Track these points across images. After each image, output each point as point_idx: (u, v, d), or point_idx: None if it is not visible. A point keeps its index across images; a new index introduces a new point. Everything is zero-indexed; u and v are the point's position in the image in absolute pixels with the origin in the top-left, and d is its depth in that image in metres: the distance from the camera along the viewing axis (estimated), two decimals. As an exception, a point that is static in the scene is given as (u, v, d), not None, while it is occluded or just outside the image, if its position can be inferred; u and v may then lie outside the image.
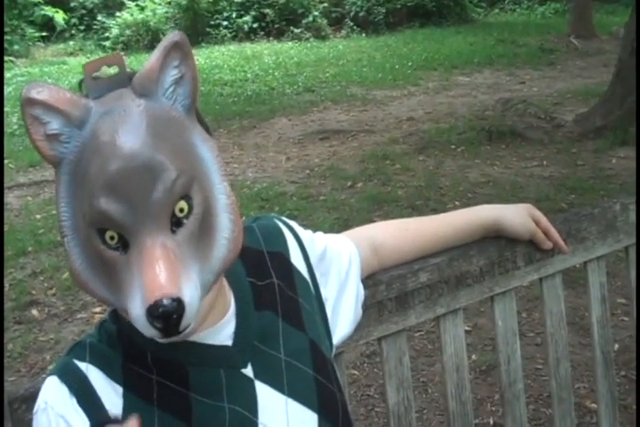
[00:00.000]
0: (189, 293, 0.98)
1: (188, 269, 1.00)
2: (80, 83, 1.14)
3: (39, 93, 1.03)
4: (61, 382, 1.14)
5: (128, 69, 1.09)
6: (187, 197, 1.03)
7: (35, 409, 1.15)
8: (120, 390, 1.15)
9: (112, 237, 1.01)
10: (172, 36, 1.07)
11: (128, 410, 1.13)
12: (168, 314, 0.95)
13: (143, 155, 0.99)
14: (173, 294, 0.95)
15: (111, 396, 1.14)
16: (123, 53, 14.81)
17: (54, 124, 1.04)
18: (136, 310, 0.97)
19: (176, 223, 1.02)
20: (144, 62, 1.07)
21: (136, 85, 1.05)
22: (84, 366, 1.16)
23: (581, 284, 2.91)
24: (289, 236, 1.40)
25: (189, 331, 1.01)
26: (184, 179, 1.02)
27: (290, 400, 1.24)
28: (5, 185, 8.28)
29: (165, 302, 0.95)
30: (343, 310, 1.46)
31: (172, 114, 1.07)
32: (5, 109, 12.39)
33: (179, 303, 0.96)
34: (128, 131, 1.01)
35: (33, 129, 1.04)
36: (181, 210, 1.02)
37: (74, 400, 1.13)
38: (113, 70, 1.08)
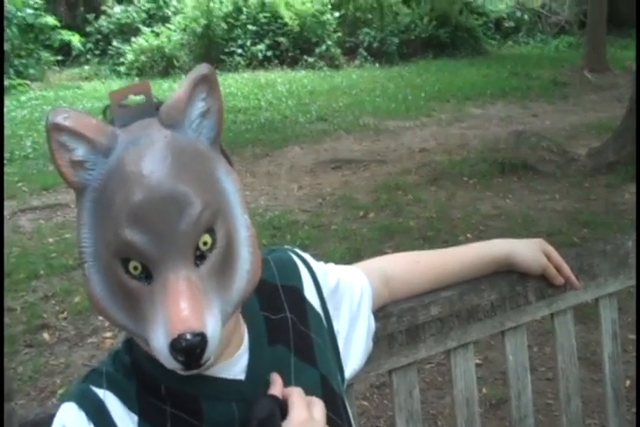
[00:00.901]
0: (212, 327, 0.99)
1: (211, 303, 1.01)
2: (105, 109, 1.15)
3: (66, 119, 1.03)
4: (79, 409, 1.14)
5: (154, 99, 1.10)
6: (211, 231, 1.04)
7: None
8: (136, 419, 1.15)
9: (135, 268, 1.01)
10: (201, 68, 1.08)
11: None
12: (191, 348, 0.96)
13: (170, 186, 1.00)
14: (197, 328, 0.96)
15: (127, 424, 1.14)
16: (137, 79, 14.95)
17: (80, 151, 1.04)
18: (159, 343, 0.98)
19: (200, 257, 1.03)
20: (168, 92, 1.08)
21: (163, 116, 1.06)
22: (102, 393, 1.16)
23: (593, 319, 2.90)
24: (303, 270, 1.41)
25: (209, 364, 1.02)
26: (209, 212, 1.02)
27: None
28: (18, 208, 8.29)
29: (189, 336, 0.95)
30: (355, 343, 1.47)
31: (198, 146, 1.08)
32: (19, 133, 12.44)
33: (202, 338, 0.96)
34: (155, 162, 1.01)
35: (58, 155, 1.04)
36: (205, 243, 1.03)
37: (92, 426, 1.13)
38: (139, 98, 1.09)
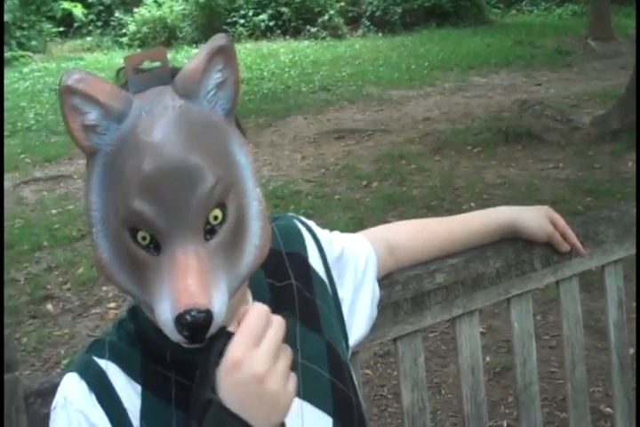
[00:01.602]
0: (218, 303, 0.98)
1: (218, 279, 1.00)
2: (118, 72, 1.14)
3: (79, 82, 1.00)
4: (81, 379, 1.14)
5: (170, 66, 1.08)
6: (222, 206, 1.02)
7: (53, 405, 1.14)
8: (139, 388, 1.15)
9: (144, 238, 1.00)
10: (218, 39, 1.06)
11: (146, 409, 1.13)
12: (197, 324, 0.95)
13: (183, 158, 0.98)
14: (204, 305, 0.95)
15: (130, 394, 1.14)
16: (140, 50, 14.90)
17: (93, 115, 1.02)
18: (164, 315, 0.97)
19: (209, 231, 1.01)
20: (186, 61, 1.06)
21: (178, 85, 1.04)
22: (104, 364, 1.15)
23: (597, 287, 2.90)
24: (307, 236, 1.40)
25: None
26: (221, 186, 1.01)
27: (305, 404, 1.23)
28: (21, 180, 8.32)
29: (195, 312, 0.94)
30: (359, 311, 1.46)
31: (212, 117, 1.06)
32: (22, 104, 12.45)
33: (207, 314, 0.95)
34: (168, 132, 1.00)
35: (70, 118, 1.02)
36: (215, 218, 1.01)
37: (93, 396, 1.12)
38: (155, 64, 1.07)
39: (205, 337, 0.98)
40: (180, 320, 0.95)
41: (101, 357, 1.16)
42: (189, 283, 0.95)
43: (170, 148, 0.98)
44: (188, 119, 1.02)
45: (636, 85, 7.37)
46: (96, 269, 1.10)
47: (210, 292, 0.97)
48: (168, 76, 1.06)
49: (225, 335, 1.00)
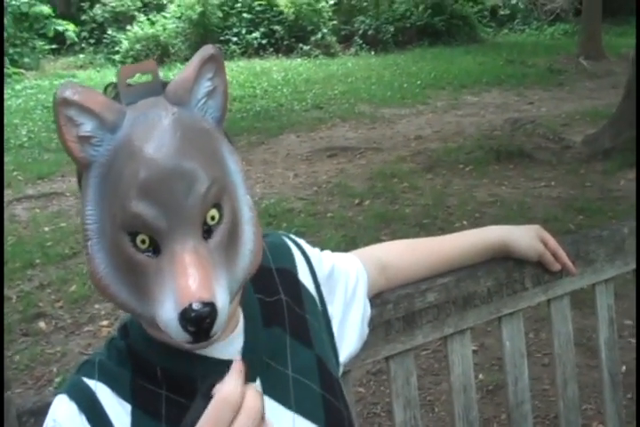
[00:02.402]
0: (221, 298, 0.98)
1: (219, 276, 1.01)
2: (106, 88, 1.15)
3: (75, 94, 1.02)
4: (70, 400, 1.13)
5: (160, 79, 1.10)
6: (218, 206, 1.04)
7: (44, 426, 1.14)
8: (128, 407, 1.14)
9: (143, 241, 1.01)
10: (208, 48, 1.09)
11: None
12: (202, 318, 0.95)
13: (178, 162, 1.00)
14: (207, 298, 0.95)
15: (119, 413, 1.14)
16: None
17: (88, 127, 1.03)
18: (168, 314, 0.97)
19: (207, 231, 1.03)
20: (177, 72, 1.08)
21: (170, 94, 1.06)
22: (93, 384, 1.15)
23: (588, 305, 2.90)
24: (297, 253, 1.40)
25: (216, 338, 1.01)
26: (216, 187, 1.03)
27: (297, 417, 1.23)
28: (14, 197, 8.30)
29: (199, 305, 0.95)
30: (349, 328, 1.46)
31: (204, 124, 1.08)
32: (14, 121, 12.44)
33: (212, 308, 0.96)
34: (163, 137, 1.01)
35: (66, 130, 1.03)
36: (212, 218, 1.03)
37: (83, 417, 1.12)
38: (146, 78, 1.09)
39: (210, 335, 0.99)
40: (185, 315, 0.95)
41: (91, 377, 1.16)
42: (192, 278, 0.96)
43: (165, 151, 1.00)
44: (182, 125, 1.04)
45: (636, 100, 7.39)
46: (92, 284, 1.10)
47: (212, 286, 0.97)
48: (159, 87, 1.08)
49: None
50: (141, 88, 1.08)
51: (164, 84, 1.09)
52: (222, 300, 0.99)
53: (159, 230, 1.00)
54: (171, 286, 0.98)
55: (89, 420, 1.12)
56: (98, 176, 1.05)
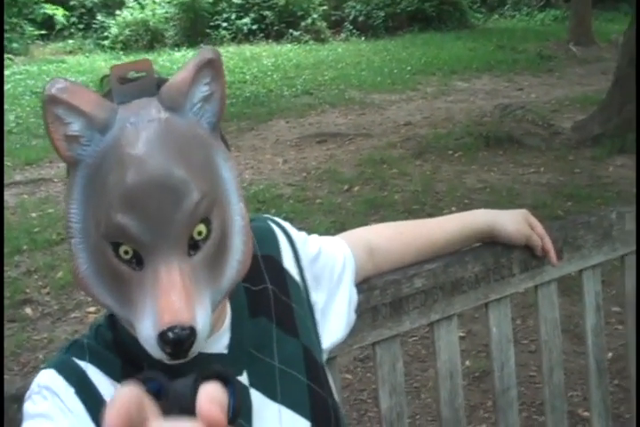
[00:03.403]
0: (202, 320, 0.97)
1: (201, 295, 0.99)
2: (102, 80, 1.13)
3: (63, 92, 0.99)
4: (59, 374, 1.12)
5: (156, 77, 1.07)
6: (206, 221, 1.01)
7: (26, 396, 1.12)
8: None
9: (126, 252, 0.99)
10: (207, 52, 1.05)
11: None
12: (180, 341, 0.94)
13: (167, 173, 0.97)
14: (187, 322, 0.94)
15: (111, 392, 1.12)
16: (122, 53, 14.85)
17: (76, 126, 1.01)
18: (147, 331, 0.96)
19: (193, 246, 1.00)
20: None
21: (164, 96, 1.03)
22: (84, 365, 1.14)
23: (576, 291, 2.90)
24: (282, 238, 1.39)
25: (195, 353, 0.99)
26: (206, 202, 1.00)
27: (283, 408, 1.23)
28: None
29: (179, 329, 0.93)
30: (334, 315, 1.45)
31: (198, 131, 1.05)
32: (3, 107, 12.38)
33: (191, 331, 0.94)
34: (153, 145, 0.98)
35: (53, 128, 1.01)
36: (199, 233, 1.01)
37: (71, 390, 1.10)
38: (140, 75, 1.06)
39: (188, 355, 0.97)
40: (163, 337, 0.93)
41: (82, 359, 1.15)
42: (173, 300, 0.94)
43: (154, 161, 0.97)
44: (174, 132, 1.01)
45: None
46: (74, 280, 1.08)
47: (193, 309, 0.95)
48: (154, 87, 1.05)
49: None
50: (135, 87, 1.05)
51: (160, 82, 1.06)
52: (202, 322, 0.97)
53: (142, 244, 0.97)
54: (151, 304, 0.96)
55: (77, 393, 1.10)
56: (84, 177, 1.03)
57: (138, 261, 0.99)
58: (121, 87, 1.04)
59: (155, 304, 0.95)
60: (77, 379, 1.12)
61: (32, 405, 1.10)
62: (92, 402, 1.10)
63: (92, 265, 1.03)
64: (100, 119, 1.00)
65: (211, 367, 0.76)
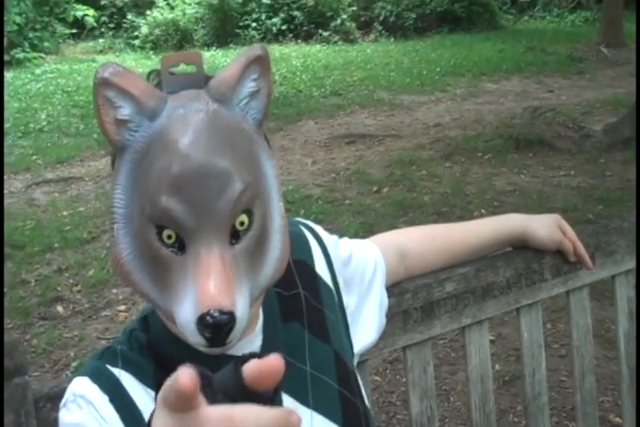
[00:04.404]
0: (241, 307, 0.97)
1: (241, 284, 0.99)
2: (150, 74, 1.14)
3: (116, 76, 1.00)
4: (93, 382, 1.12)
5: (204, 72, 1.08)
6: (249, 212, 1.02)
7: (61, 403, 1.13)
8: (153, 394, 1.13)
9: (169, 237, 0.99)
10: (255, 48, 1.07)
11: None
12: (219, 326, 0.93)
13: (213, 161, 0.98)
14: (227, 307, 0.93)
15: (144, 399, 1.12)
16: (151, 53, 14.90)
17: (126, 110, 1.02)
18: (186, 315, 0.96)
19: (234, 236, 1.01)
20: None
21: (212, 89, 1.04)
22: (117, 372, 1.14)
23: (607, 296, 2.89)
24: (313, 243, 1.39)
25: (233, 344, 1.00)
26: (249, 192, 1.00)
27: (315, 414, 1.23)
28: (33, 181, 8.34)
29: (219, 313, 0.93)
30: (365, 318, 1.45)
31: (243, 125, 1.06)
32: (34, 106, 12.46)
33: (230, 316, 0.94)
34: (201, 133, 0.99)
35: (103, 111, 1.01)
36: (242, 223, 1.01)
37: (106, 398, 1.11)
38: (191, 69, 1.08)
39: (226, 342, 0.97)
40: (202, 321, 0.93)
41: (114, 365, 1.15)
42: (213, 284, 0.94)
43: (201, 150, 0.98)
44: (221, 123, 1.02)
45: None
46: (113, 268, 1.09)
47: (233, 295, 0.95)
48: (202, 80, 1.07)
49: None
50: (184, 78, 1.07)
51: (208, 78, 1.07)
52: (242, 309, 0.97)
53: (187, 228, 0.98)
54: (192, 287, 0.96)
55: (112, 401, 1.11)
56: (131, 161, 1.03)
57: (180, 246, 0.99)
58: (171, 77, 1.06)
59: (195, 288, 0.95)
60: (111, 387, 1.12)
61: (67, 414, 1.11)
62: (127, 410, 1.11)
63: (134, 251, 1.04)
64: (149, 106, 1.01)
65: (247, 354, 0.78)
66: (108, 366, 1.15)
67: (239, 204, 0.99)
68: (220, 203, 0.98)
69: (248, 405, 0.69)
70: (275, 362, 0.71)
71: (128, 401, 1.12)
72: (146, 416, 1.10)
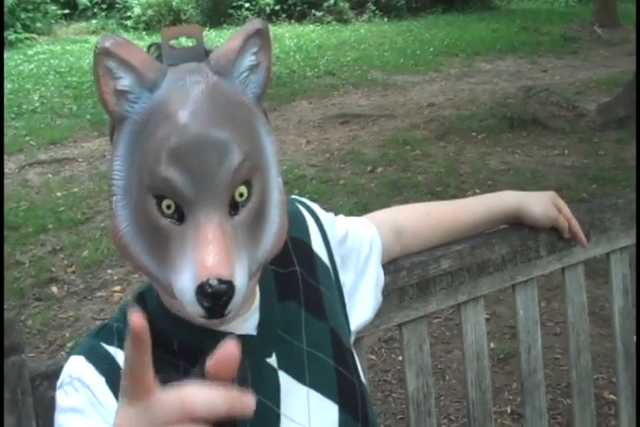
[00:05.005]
0: (240, 277, 0.97)
1: (240, 255, 0.99)
2: (150, 47, 1.13)
3: (117, 46, 1.00)
4: (88, 362, 1.12)
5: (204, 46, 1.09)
6: (248, 183, 1.02)
7: (58, 384, 1.13)
8: None
9: (169, 207, 0.99)
10: (256, 23, 1.07)
11: None
12: (218, 295, 0.93)
13: (213, 132, 0.98)
14: (226, 276, 0.93)
15: None
16: (144, 33, 14.88)
17: (126, 81, 1.02)
18: (185, 284, 0.96)
19: (233, 207, 1.01)
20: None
21: (212, 62, 1.04)
22: (113, 351, 1.14)
23: (601, 274, 2.90)
24: (310, 221, 1.39)
25: (231, 316, 0.99)
26: (249, 164, 1.01)
27: (311, 391, 1.23)
28: (26, 162, 8.31)
29: (218, 282, 0.93)
30: (361, 296, 1.45)
31: (243, 98, 1.07)
32: (27, 86, 12.43)
33: (229, 286, 0.94)
34: (200, 104, 0.99)
35: (103, 81, 1.01)
36: (241, 195, 1.01)
37: (102, 379, 1.11)
38: (191, 42, 1.07)
39: (224, 313, 0.97)
40: (201, 290, 0.93)
41: (110, 344, 1.15)
42: (213, 253, 0.94)
43: (201, 120, 0.98)
44: (221, 95, 1.02)
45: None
46: (112, 241, 1.08)
47: (233, 264, 0.95)
48: (202, 53, 1.07)
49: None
50: (184, 51, 1.07)
51: (207, 52, 1.07)
52: (241, 279, 0.97)
53: (186, 198, 0.98)
54: (191, 257, 0.96)
55: (108, 383, 1.11)
56: (130, 133, 1.03)
57: (179, 216, 0.99)
58: (171, 50, 1.06)
59: (194, 257, 0.95)
60: (107, 367, 1.12)
61: (64, 397, 1.11)
62: None
63: (133, 222, 1.04)
64: (149, 77, 1.02)
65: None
66: (104, 345, 1.15)
67: (238, 174, 0.99)
68: (219, 173, 0.98)
69: (200, 386, 0.73)
70: (228, 349, 0.73)
71: None
72: None
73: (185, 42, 1.10)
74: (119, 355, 1.14)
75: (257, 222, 1.04)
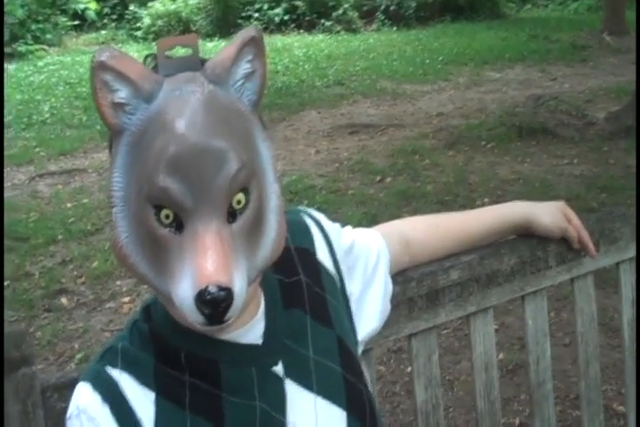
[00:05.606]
0: (239, 284, 0.98)
1: (239, 261, 1.00)
2: (146, 58, 1.15)
3: (113, 59, 1.02)
4: (94, 390, 1.14)
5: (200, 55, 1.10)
6: (245, 190, 1.03)
7: (68, 415, 1.16)
8: (152, 396, 1.15)
9: (167, 216, 1.01)
10: (250, 30, 1.09)
11: (160, 416, 1.14)
12: (217, 301, 0.95)
13: (210, 140, 1.00)
14: (225, 282, 0.95)
15: (143, 403, 1.14)
16: (154, 44, 15.01)
17: (123, 93, 1.03)
18: (184, 292, 0.97)
19: (231, 214, 1.02)
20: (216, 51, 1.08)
21: (208, 71, 1.06)
22: (117, 374, 1.16)
23: (611, 284, 2.89)
24: (315, 231, 1.39)
25: (230, 323, 1.01)
26: (246, 171, 1.02)
27: (319, 399, 1.24)
28: (36, 173, 8.34)
29: (217, 289, 0.94)
30: (368, 306, 1.45)
31: (239, 106, 1.08)
32: (37, 97, 12.47)
33: (228, 292, 0.95)
34: (197, 114, 1.01)
35: (101, 94, 1.03)
36: (239, 202, 1.03)
37: (107, 408, 1.13)
38: (185, 52, 1.09)
39: (224, 319, 0.98)
40: (200, 297, 0.95)
41: (114, 366, 1.17)
42: (211, 260, 0.96)
43: (198, 129, 1.00)
44: (217, 104, 1.04)
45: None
46: (113, 252, 1.10)
47: (231, 271, 0.97)
48: (198, 62, 1.08)
49: None
50: (180, 61, 1.08)
51: (203, 61, 1.09)
52: (239, 285, 0.98)
53: (184, 207, 0.99)
54: (190, 265, 0.97)
55: (112, 410, 1.13)
56: (128, 144, 1.05)
57: (178, 225, 1.01)
58: (167, 60, 1.08)
59: (193, 265, 0.97)
60: (111, 394, 1.14)
61: None
62: (126, 419, 1.13)
63: (132, 233, 1.05)
64: (146, 88, 1.03)
65: None
66: (109, 369, 1.17)
67: (236, 182, 1.01)
68: (216, 181, 0.99)
69: None
70: None
71: (127, 408, 1.14)
72: (143, 421, 1.13)
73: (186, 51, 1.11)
74: (123, 378, 1.15)
75: (255, 229, 1.06)
